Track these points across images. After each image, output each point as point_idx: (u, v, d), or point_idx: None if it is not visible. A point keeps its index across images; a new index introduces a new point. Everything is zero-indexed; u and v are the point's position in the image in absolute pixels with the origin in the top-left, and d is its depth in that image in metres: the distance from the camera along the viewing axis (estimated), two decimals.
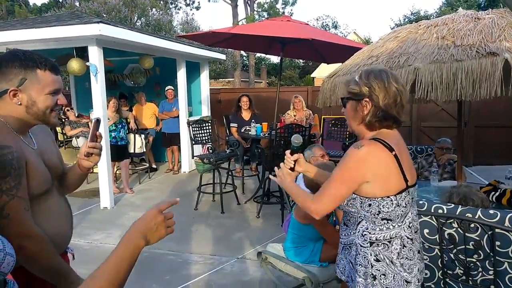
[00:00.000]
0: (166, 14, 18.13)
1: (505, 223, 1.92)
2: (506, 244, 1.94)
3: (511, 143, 6.93)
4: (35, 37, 5.26)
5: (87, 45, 5.33)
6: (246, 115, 6.65)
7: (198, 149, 6.82)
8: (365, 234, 1.50)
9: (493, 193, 2.88)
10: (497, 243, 1.96)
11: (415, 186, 1.56)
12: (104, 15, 13.97)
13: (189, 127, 5.69)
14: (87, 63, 5.39)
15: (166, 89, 7.45)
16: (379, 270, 1.47)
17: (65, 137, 7.42)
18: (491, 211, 1.98)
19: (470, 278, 2.09)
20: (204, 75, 8.46)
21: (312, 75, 27.84)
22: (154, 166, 7.68)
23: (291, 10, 25.66)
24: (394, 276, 1.46)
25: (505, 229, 1.93)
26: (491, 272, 2.02)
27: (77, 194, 6.01)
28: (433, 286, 2.23)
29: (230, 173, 5.85)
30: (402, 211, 1.48)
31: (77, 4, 16.92)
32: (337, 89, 3.22)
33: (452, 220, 2.08)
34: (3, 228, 1.29)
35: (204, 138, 5.88)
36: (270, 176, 1.79)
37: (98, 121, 1.55)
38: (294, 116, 6.64)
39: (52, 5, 18.73)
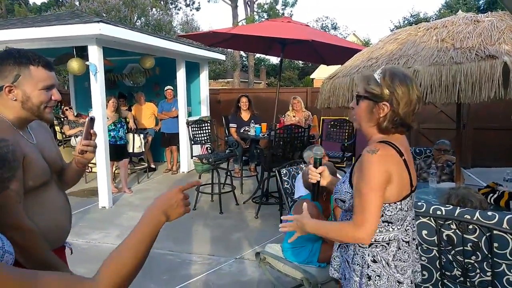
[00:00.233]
0: (166, 14, 18.12)
1: (503, 225, 1.93)
2: (504, 246, 1.95)
3: (509, 145, 6.95)
4: (35, 36, 5.26)
5: (87, 44, 5.32)
6: (245, 115, 6.66)
7: (197, 149, 6.83)
8: None
9: (491, 195, 2.89)
10: (495, 244, 1.97)
11: (415, 189, 1.56)
12: (104, 15, 13.96)
13: (188, 127, 5.69)
14: (87, 63, 5.39)
15: (165, 89, 7.46)
16: (374, 271, 1.47)
17: (64, 136, 7.42)
18: (489, 213, 1.99)
19: (468, 280, 2.10)
20: (204, 76, 8.47)
21: (311, 76, 27.89)
22: (152, 166, 7.68)
23: (291, 11, 25.80)
24: (388, 277, 1.47)
25: (503, 230, 1.94)
26: (489, 274, 2.03)
27: (76, 193, 6.01)
28: (431, 287, 2.24)
29: (229, 173, 5.86)
30: (403, 215, 1.48)
31: (77, 3, 16.90)
32: (337, 90, 3.23)
33: (450, 221, 2.08)
34: None
35: (203, 138, 5.88)
36: (281, 229, 1.70)
37: (92, 119, 1.60)
38: (293, 117, 6.65)
39: (52, 4, 18.73)
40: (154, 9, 17.51)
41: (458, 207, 2.10)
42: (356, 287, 1.50)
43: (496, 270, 2.01)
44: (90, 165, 6.87)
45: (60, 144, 7.35)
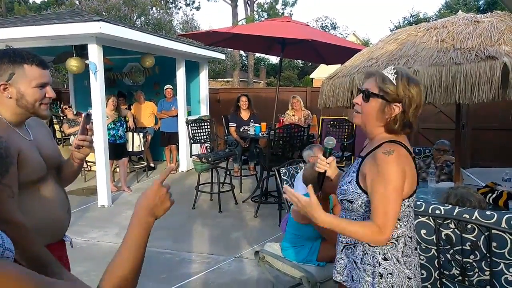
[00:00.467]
0: (166, 13, 18.11)
1: (501, 224, 1.94)
2: (503, 245, 1.96)
3: (508, 145, 6.97)
4: (35, 34, 5.25)
5: (87, 43, 5.32)
6: (245, 115, 6.66)
7: (197, 148, 6.83)
8: None
9: (490, 194, 2.91)
10: (494, 244, 1.98)
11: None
12: (104, 14, 13.95)
13: (187, 126, 5.70)
14: (87, 61, 5.39)
15: (165, 88, 7.46)
16: (386, 269, 1.47)
17: (63, 134, 7.42)
18: (488, 212, 1.99)
19: (467, 279, 2.11)
20: (203, 75, 8.47)
21: (311, 76, 27.89)
22: (152, 164, 7.68)
23: (291, 10, 25.78)
24: (398, 274, 1.48)
25: (501, 230, 1.94)
26: (487, 273, 2.04)
27: (75, 192, 6.01)
28: (429, 286, 2.25)
29: (228, 172, 5.86)
30: (409, 211, 1.50)
31: (76, 2, 16.88)
32: (337, 90, 3.23)
33: (449, 220, 2.09)
34: None
35: (202, 137, 5.89)
36: (293, 208, 1.60)
37: (88, 115, 1.64)
38: (293, 116, 6.66)
39: (52, 3, 18.70)
40: (154, 8, 17.50)
41: (457, 207, 2.11)
42: (369, 287, 1.49)
43: (494, 269, 2.02)
44: (89, 163, 6.88)
45: (59, 142, 7.35)
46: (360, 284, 1.52)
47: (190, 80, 8.30)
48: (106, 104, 5.69)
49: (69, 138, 7.25)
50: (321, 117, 7.78)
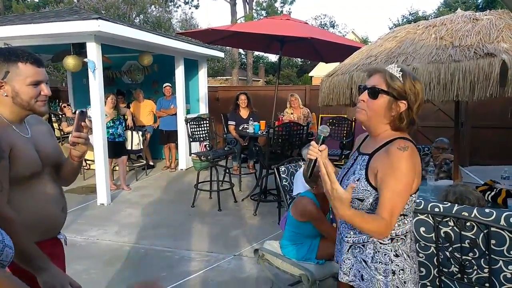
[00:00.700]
0: (166, 11, 18.07)
1: (500, 222, 1.94)
2: (501, 243, 1.96)
3: (507, 143, 6.98)
4: (33, 32, 5.24)
5: (86, 41, 5.31)
6: (244, 113, 6.66)
7: (196, 147, 6.83)
8: None
9: (488, 192, 2.91)
10: (493, 241, 1.98)
11: None
12: (103, 12, 13.91)
13: (187, 124, 5.69)
14: (85, 60, 5.38)
15: (164, 86, 7.45)
16: (398, 265, 1.48)
17: (62, 133, 7.41)
18: (487, 210, 2.00)
19: (465, 276, 2.11)
20: (202, 73, 8.46)
21: (310, 74, 27.88)
22: (151, 163, 7.68)
23: (290, 9, 25.71)
24: (410, 269, 1.49)
25: (500, 227, 1.95)
26: (486, 270, 2.04)
27: (74, 190, 6.00)
28: (428, 284, 2.25)
29: (227, 170, 5.86)
30: (413, 207, 1.52)
31: (75, 0, 16.82)
32: (336, 88, 3.22)
33: (448, 218, 2.09)
34: None
35: (201, 135, 5.88)
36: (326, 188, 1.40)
37: (82, 112, 1.63)
38: (291, 114, 6.65)
39: (50, 1, 18.63)
40: (153, 7, 17.46)
41: (456, 204, 2.11)
42: (381, 285, 1.48)
43: (493, 266, 2.02)
44: (88, 162, 6.88)
45: (58, 141, 7.34)
46: (371, 283, 1.50)
47: (189, 78, 8.29)
48: (105, 102, 5.68)
49: (67, 137, 7.24)
50: (320, 115, 7.78)
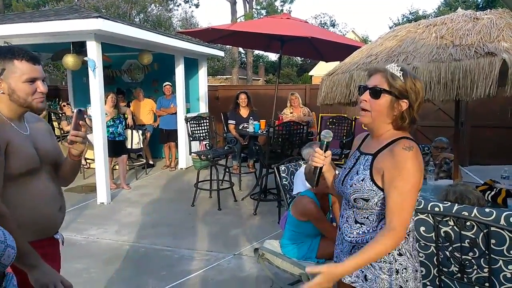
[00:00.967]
0: (166, 10, 18.06)
1: (500, 222, 1.94)
2: (501, 242, 1.96)
3: (506, 143, 6.97)
4: (33, 31, 5.24)
5: (86, 40, 5.31)
6: (244, 112, 6.66)
7: (196, 146, 6.82)
8: None
9: (488, 192, 2.91)
10: (493, 241, 1.98)
11: None
12: (103, 11, 13.90)
13: (187, 123, 5.69)
14: (85, 58, 5.37)
15: (164, 85, 7.44)
16: (401, 264, 1.48)
17: (62, 132, 7.40)
18: (487, 210, 2.00)
19: (465, 276, 2.11)
20: (202, 72, 8.45)
21: (310, 73, 27.87)
22: (151, 162, 7.68)
23: (289, 7, 25.68)
24: (412, 268, 1.49)
25: (500, 227, 1.95)
26: (486, 270, 2.04)
27: (74, 189, 6.01)
28: (428, 283, 2.25)
29: (227, 170, 5.86)
30: (415, 205, 1.51)
31: None
32: (336, 87, 3.22)
33: (448, 218, 2.09)
34: None
35: (201, 134, 5.88)
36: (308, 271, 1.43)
37: (80, 110, 1.64)
38: (291, 113, 6.65)
39: None
40: (153, 5, 17.45)
41: (456, 204, 2.11)
42: (385, 285, 1.48)
43: (493, 266, 2.02)
44: (88, 161, 6.88)
45: (58, 139, 7.33)
46: (375, 282, 1.49)
47: (189, 77, 8.28)
48: (105, 101, 5.68)
49: (67, 135, 7.24)
50: (320, 115, 7.78)
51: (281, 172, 3.56)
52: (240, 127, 6.46)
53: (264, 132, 5.92)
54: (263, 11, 24.14)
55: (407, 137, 1.48)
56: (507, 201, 2.83)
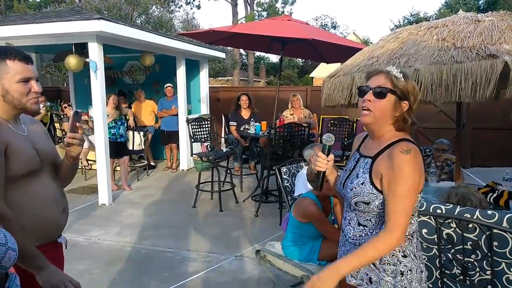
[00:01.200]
0: (167, 11, 18.10)
1: (503, 224, 1.94)
2: (504, 245, 1.96)
3: (508, 145, 6.97)
4: (35, 32, 5.25)
5: (87, 41, 5.32)
6: (245, 113, 6.66)
7: (197, 147, 6.83)
8: None
9: (490, 194, 2.91)
10: (495, 243, 1.98)
11: None
12: (105, 12, 13.93)
13: (188, 125, 5.70)
14: (87, 60, 5.38)
15: (165, 86, 7.45)
16: (406, 266, 1.48)
17: (64, 133, 7.41)
18: (489, 212, 2.00)
19: (468, 278, 2.11)
20: (204, 73, 8.46)
21: (311, 75, 27.88)
22: (152, 163, 7.68)
23: (291, 9, 25.78)
24: (416, 269, 1.49)
25: (503, 229, 1.94)
26: (488, 272, 2.04)
27: (76, 190, 6.02)
28: (430, 285, 2.25)
29: (228, 171, 5.86)
30: (418, 207, 1.52)
31: (76, 0, 16.85)
32: (337, 89, 3.23)
33: (450, 220, 2.09)
34: None
35: (203, 136, 5.89)
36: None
37: (77, 112, 1.62)
38: (291, 115, 6.65)
39: (52, 1, 18.66)
40: (154, 7, 17.48)
41: (458, 206, 2.11)
42: (390, 287, 1.48)
43: (495, 269, 2.02)
44: (90, 162, 6.88)
45: (60, 141, 7.35)
46: (380, 285, 1.50)
47: (191, 78, 8.29)
48: (107, 102, 5.69)
49: None
50: (321, 116, 7.78)
51: (282, 173, 3.56)
52: (241, 129, 6.47)
53: (265, 133, 5.92)
54: (264, 13, 24.17)
55: (406, 139, 1.48)
56: (509, 203, 2.82)
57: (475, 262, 2.07)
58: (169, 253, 3.91)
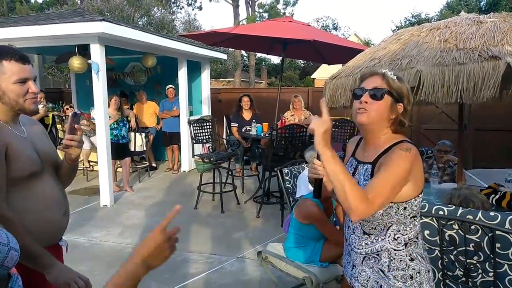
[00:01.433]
0: (169, 13, 18.14)
1: (505, 225, 1.94)
2: (507, 246, 1.95)
3: (510, 146, 6.95)
4: (37, 34, 5.27)
5: (89, 43, 5.33)
6: (247, 115, 6.66)
7: (198, 149, 6.84)
8: (398, 237, 1.47)
9: (493, 195, 2.90)
10: (497, 245, 1.97)
11: None
12: (107, 14, 13.97)
13: (189, 126, 5.70)
14: (89, 61, 5.40)
15: (167, 88, 7.47)
16: (414, 269, 1.47)
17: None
18: (492, 213, 1.99)
19: (470, 280, 2.10)
20: (205, 75, 8.47)
21: (312, 76, 27.91)
22: (154, 164, 7.69)
23: (292, 10, 25.71)
24: (425, 270, 1.49)
25: (505, 231, 1.94)
26: (491, 274, 2.03)
27: (77, 191, 6.02)
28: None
29: (230, 172, 5.86)
30: (419, 208, 1.52)
31: (78, 1, 16.90)
32: (339, 90, 3.23)
33: (452, 221, 2.09)
34: None
35: (204, 137, 5.89)
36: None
37: (76, 114, 1.60)
38: (291, 116, 6.65)
39: (54, 2, 18.74)
40: (156, 8, 17.53)
41: (461, 208, 2.10)
42: None
43: (498, 270, 2.01)
44: (92, 163, 6.89)
45: (62, 142, 7.35)
46: None
47: (192, 80, 8.30)
48: (109, 104, 5.70)
49: None
50: (330, 123, 7.76)
51: (284, 175, 3.56)
52: (243, 130, 6.47)
53: (267, 135, 5.92)
54: (266, 14, 24.19)
55: (407, 141, 1.48)
56: (511, 205, 2.81)
57: (477, 264, 2.06)
58: None
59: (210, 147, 5.82)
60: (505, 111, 6.97)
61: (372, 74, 1.51)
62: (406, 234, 1.47)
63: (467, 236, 2.05)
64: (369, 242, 1.52)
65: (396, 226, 1.47)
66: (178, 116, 7.39)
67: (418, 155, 1.44)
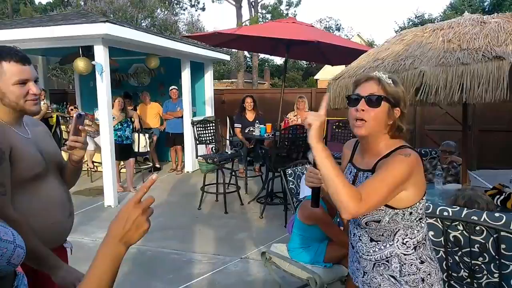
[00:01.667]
0: (172, 14, 18.19)
1: (510, 226, 1.93)
2: None
3: None
4: (41, 35, 5.30)
5: (93, 44, 5.36)
6: (250, 116, 6.67)
7: (202, 149, 6.85)
8: (406, 241, 1.45)
9: (498, 196, 2.88)
10: (503, 246, 1.97)
11: None
12: (111, 15, 14.02)
13: (193, 127, 5.71)
14: (93, 62, 5.42)
15: (170, 89, 7.49)
16: (425, 272, 1.46)
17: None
18: (497, 214, 1.99)
19: (475, 281, 2.10)
20: (208, 76, 8.49)
21: (315, 77, 27.87)
22: (157, 165, 7.70)
23: (295, 11, 25.77)
24: (435, 271, 1.48)
25: (510, 232, 1.93)
26: (496, 275, 2.03)
27: (82, 192, 6.05)
28: None
29: (233, 173, 5.87)
30: (424, 209, 1.51)
31: (81, 3, 16.99)
32: (343, 91, 3.22)
33: (457, 222, 2.08)
34: None
35: (208, 138, 5.90)
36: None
37: (80, 115, 1.59)
38: (294, 116, 6.65)
39: (58, 4, 18.83)
40: (159, 9, 17.58)
41: (465, 209, 2.10)
42: None
43: (503, 271, 2.00)
44: (96, 164, 6.92)
45: (66, 143, 7.38)
46: None
47: (195, 81, 8.32)
48: (113, 105, 5.72)
49: None
50: (326, 118, 7.76)
51: (287, 175, 3.56)
52: (246, 131, 6.47)
53: (270, 135, 5.92)
54: (269, 15, 24.20)
55: (407, 146, 1.45)
56: None
57: (482, 265, 2.06)
58: (175, 255, 3.92)
59: (213, 148, 5.83)
60: (509, 112, 6.94)
61: (367, 79, 1.46)
62: (415, 238, 1.46)
63: (472, 237, 2.05)
64: (377, 249, 1.49)
65: (404, 230, 1.45)
66: (182, 117, 7.41)
67: (419, 160, 1.41)
